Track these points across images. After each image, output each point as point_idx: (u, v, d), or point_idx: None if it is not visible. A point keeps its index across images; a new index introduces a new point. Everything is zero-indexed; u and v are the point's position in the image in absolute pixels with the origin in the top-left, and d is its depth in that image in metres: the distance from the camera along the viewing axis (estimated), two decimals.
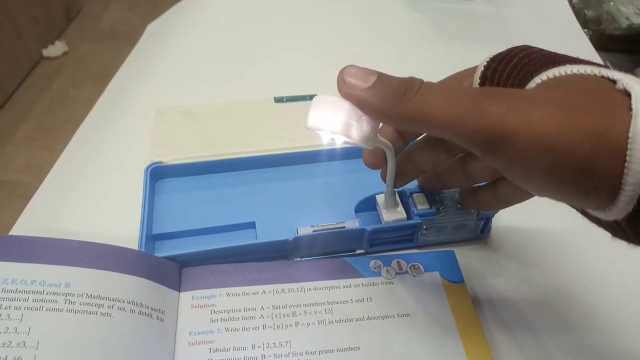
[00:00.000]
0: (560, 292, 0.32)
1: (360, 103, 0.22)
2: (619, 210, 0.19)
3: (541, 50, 0.23)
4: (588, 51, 0.55)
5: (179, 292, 0.31)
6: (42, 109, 1.47)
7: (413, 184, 0.33)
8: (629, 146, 0.18)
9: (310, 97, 0.47)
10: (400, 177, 0.31)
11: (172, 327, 0.29)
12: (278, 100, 0.45)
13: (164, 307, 0.30)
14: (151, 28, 0.61)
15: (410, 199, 0.34)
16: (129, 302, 0.28)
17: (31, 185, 0.40)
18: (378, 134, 0.27)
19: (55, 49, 1.62)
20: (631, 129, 0.18)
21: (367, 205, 0.36)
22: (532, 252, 0.35)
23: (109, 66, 0.54)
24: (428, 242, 0.35)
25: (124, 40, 1.73)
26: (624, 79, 0.19)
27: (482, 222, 0.35)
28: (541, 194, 0.21)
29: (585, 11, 1.04)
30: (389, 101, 0.21)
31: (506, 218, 0.36)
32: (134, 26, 1.80)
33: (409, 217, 0.34)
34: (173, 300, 0.30)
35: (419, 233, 0.34)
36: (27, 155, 1.34)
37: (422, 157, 0.30)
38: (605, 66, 0.21)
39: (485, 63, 0.24)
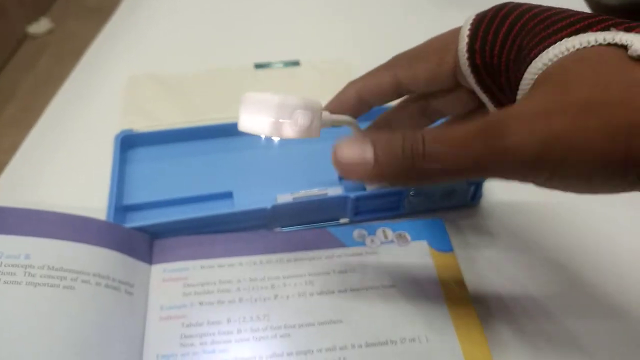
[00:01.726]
0: (551, 264, 0.31)
1: (370, 181, 0.22)
2: None
3: (529, 8, 0.21)
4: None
5: (150, 264, 0.29)
6: (28, 88, 1.43)
7: None
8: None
9: (293, 63, 0.45)
10: None
11: (142, 302, 0.27)
12: (259, 66, 0.43)
13: (133, 281, 0.28)
14: None
15: None
16: (94, 275, 0.26)
17: None
18: (328, 114, 0.25)
19: (40, 26, 1.58)
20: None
21: None
22: (524, 221, 0.33)
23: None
24: (416, 210, 0.33)
25: (109, 17, 1.68)
26: (635, 43, 0.17)
27: (472, 188, 0.33)
28: (585, 193, 0.19)
29: None
30: (400, 174, 0.19)
31: (498, 185, 0.35)
32: (119, 2, 1.75)
33: None
34: (143, 273, 0.29)
35: (406, 200, 0.32)
36: (16, 136, 1.31)
37: (401, 123, 0.29)
38: (605, 22, 0.18)
39: (469, 31, 0.22)
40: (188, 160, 0.35)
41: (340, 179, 0.34)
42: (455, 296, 0.28)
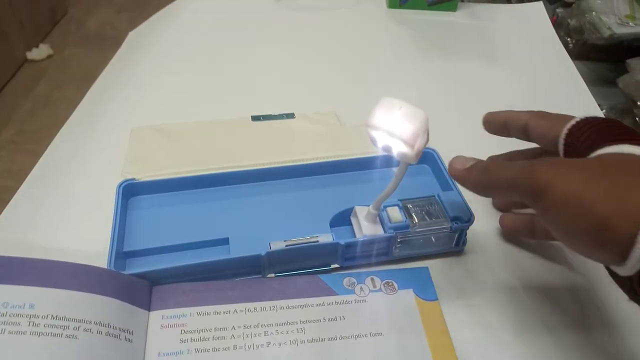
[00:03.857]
0: (536, 311, 0.32)
1: (460, 178, 0.30)
2: (632, 266, 0.22)
3: (619, 127, 0.28)
4: (566, 64, 0.55)
5: (149, 311, 0.30)
6: (25, 113, 1.45)
7: (389, 200, 0.33)
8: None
9: (288, 116, 0.47)
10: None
11: (140, 348, 0.29)
12: (255, 118, 0.45)
13: (133, 327, 0.29)
14: (131, 36, 0.61)
15: (385, 212, 0.34)
16: (95, 323, 0.28)
17: (12, 189, 0.40)
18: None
19: (40, 52, 1.61)
20: None
21: (343, 219, 0.36)
22: (508, 268, 0.35)
23: (94, 70, 0.54)
24: (403, 256, 0.35)
25: (110, 43, 1.70)
26: None
27: (456, 235, 0.35)
28: (567, 245, 0.25)
29: (569, 20, 1.05)
30: (476, 177, 0.29)
31: (482, 230, 0.36)
32: (120, 30, 1.78)
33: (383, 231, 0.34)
34: (142, 319, 0.30)
35: (394, 247, 0.34)
36: (8, 160, 1.32)
37: None
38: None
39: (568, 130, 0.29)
40: (186, 208, 0.36)
41: (331, 226, 0.36)
42: (438, 344, 0.29)
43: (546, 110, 0.32)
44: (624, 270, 0.23)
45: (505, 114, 0.33)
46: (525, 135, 0.32)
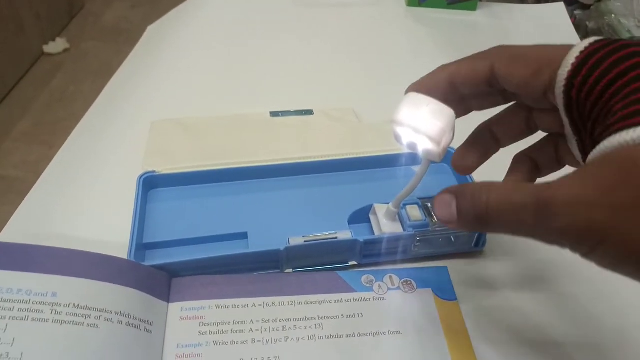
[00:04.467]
0: (556, 313, 0.32)
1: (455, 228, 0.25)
2: None
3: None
4: None
5: (168, 302, 0.31)
6: (41, 105, 1.46)
7: (408, 198, 0.33)
8: None
9: (306, 112, 0.47)
10: (472, 150, 0.29)
11: (159, 339, 0.29)
12: (274, 114, 0.45)
13: (152, 319, 0.29)
14: (150, 30, 0.61)
15: (404, 210, 0.34)
16: (116, 313, 0.28)
17: (27, 181, 0.40)
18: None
19: (56, 46, 1.62)
20: None
21: (361, 216, 0.36)
22: (528, 269, 0.35)
23: (110, 64, 0.54)
24: (422, 255, 0.35)
25: (126, 38, 1.73)
26: None
27: (476, 235, 0.34)
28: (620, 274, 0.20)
29: (587, 23, 1.04)
30: (475, 226, 0.23)
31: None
32: (135, 24, 1.80)
33: (402, 229, 0.34)
34: (162, 311, 0.30)
35: (413, 245, 0.34)
36: (24, 151, 1.33)
37: (504, 134, 0.28)
38: None
39: (575, 59, 0.22)
40: (206, 202, 0.36)
41: (350, 223, 0.36)
42: (457, 345, 0.29)
43: None
44: None
45: (446, 70, 0.26)
46: (490, 87, 0.25)
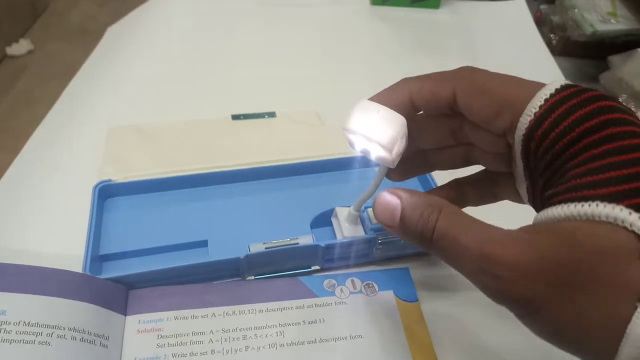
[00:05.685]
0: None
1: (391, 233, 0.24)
2: None
3: (603, 125, 0.19)
4: (548, 60, 0.55)
5: (125, 315, 0.30)
6: (4, 110, 1.42)
7: (369, 201, 0.33)
8: (622, 340, 0.17)
9: (269, 115, 0.47)
10: (405, 167, 0.28)
11: (116, 354, 0.28)
12: (236, 117, 0.45)
13: (108, 333, 0.28)
14: (110, 32, 0.59)
15: (365, 213, 0.34)
16: (70, 329, 0.27)
17: None
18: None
19: (20, 47, 1.57)
20: (630, 326, 0.17)
21: (323, 220, 0.36)
22: None
23: (76, 65, 0.52)
24: (384, 257, 0.35)
25: (93, 38, 1.68)
26: None
27: None
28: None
29: (552, 17, 1.06)
30: (414, 241, 0.22)
31: None
32: (103, 23, 1.75)
33: (364, 232, 0.33)
34: (118, 324, 0.29)
35: (374, 248, 0.34)
36: None
37: (436, 159, 0.28)
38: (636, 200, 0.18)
39: (539, 108, 0.21)
40: (165, 210, 0.36)
41: (312, 227, 0.36)
42: (418, 346, 0.29)
43: None
44: None
45: (407, 87, 0.25)
46: (452, 111, 0.24)
